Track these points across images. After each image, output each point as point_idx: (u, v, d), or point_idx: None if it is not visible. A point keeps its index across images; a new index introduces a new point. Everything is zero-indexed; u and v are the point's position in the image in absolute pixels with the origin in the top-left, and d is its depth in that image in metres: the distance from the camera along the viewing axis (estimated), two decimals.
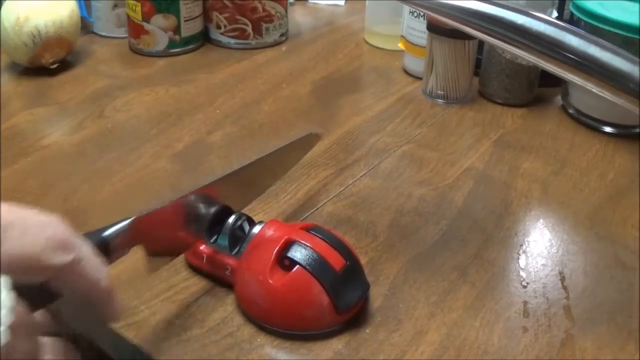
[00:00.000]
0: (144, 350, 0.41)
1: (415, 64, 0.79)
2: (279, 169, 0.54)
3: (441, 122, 0.70)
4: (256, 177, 0.50)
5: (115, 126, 0.67)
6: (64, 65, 0.78)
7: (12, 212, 0.30)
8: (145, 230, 0.40)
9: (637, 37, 0.63)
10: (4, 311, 0.28)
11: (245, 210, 0.48)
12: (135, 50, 0.84)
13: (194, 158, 0.62)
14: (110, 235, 0.37)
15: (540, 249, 0.52)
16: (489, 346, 0.43)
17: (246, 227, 0.46)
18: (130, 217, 0.39)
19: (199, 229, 0.45)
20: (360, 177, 0.60)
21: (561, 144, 0.67)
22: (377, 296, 0.46)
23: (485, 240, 0.52)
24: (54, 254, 0.30)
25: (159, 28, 0.81)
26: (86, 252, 0.33)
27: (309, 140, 0.57)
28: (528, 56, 0.38)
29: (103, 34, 0.87)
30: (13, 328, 0.28)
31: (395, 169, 0.61)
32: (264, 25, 0.86)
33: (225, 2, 0.84)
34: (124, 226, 0.38)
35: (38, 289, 0.31)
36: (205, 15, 0.86)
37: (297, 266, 0.42)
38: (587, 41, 0.36)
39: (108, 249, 0.37)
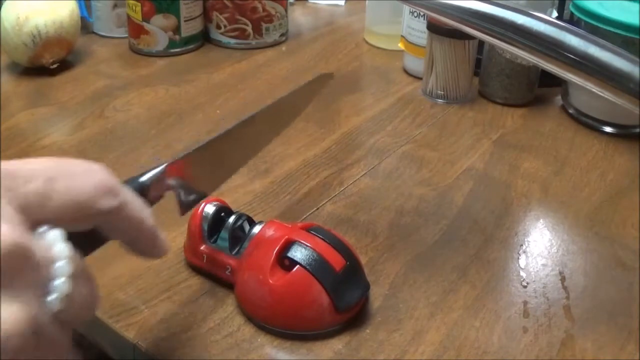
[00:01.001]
0: (144, 350, 0.42)
1: (415, 64, 0.79)
2: (295, 109, 0.57)
3: (441, 122, 0.70)
4: (275, 116, 0.53)
5: (115, 126, 0.67)
6: (64, 65, 0.78)
7: (57, 164, 0.31)
8: (178, 174, 0.41)
9: (637, 37, 0.63)
10: (61, 263, 0.28)
11: (245, 211, 0.48)
12: (135, 50, 0.84)
13: None
14: (147, 180, 0.38)
15: (540, 249, 0.52)
16: (489, 346, 0.43)
17: (246, 227, 0.46)
18: (163, 163, 0.40)
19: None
20: (360, 177, 0.60)
21: (561, 144, 0.67)
22: (377, 296, 0.46)
23: (485, 240, 0.52)
24: (102, 199, 0.31)
25: (159, 28, 0.81)
26: (130, 195, 0.34)
27: (320, 81, 0.59)
28: (528, 56, 0.38)
29: (103, 34, 0.87)
30: (73, 277, 0.28)
31: (395, 169, 0.61)
32: (264, 25, 0.86)
33: (225, 2, 0.84)
34: (159, 171, 0.39)
35: (86, 236, 0.32)
36: (205, 15, 0.86)
37: (297, 266, 0.42)
38: (587, 41, 0.36)
39: (145, 194, 0.38)
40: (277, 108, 0.52)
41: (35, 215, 0.28)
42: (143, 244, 0.35)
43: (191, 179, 0.43)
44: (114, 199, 0.32)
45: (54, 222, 0.29)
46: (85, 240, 0.32)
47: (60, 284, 0.27)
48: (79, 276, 0.29)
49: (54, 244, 0.28)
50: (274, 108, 0.51)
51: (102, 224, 0.32)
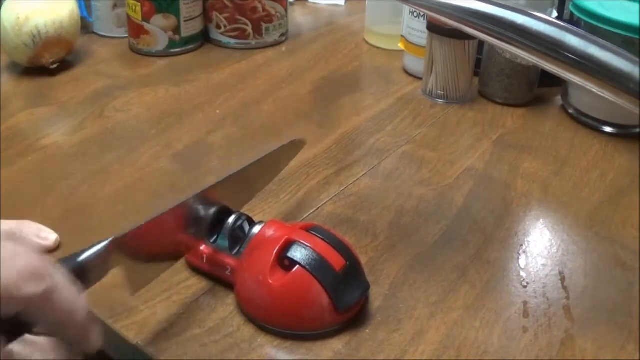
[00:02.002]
0: (144, 350, 0.41)
1: (415, 64, 0.79)
2: (267, 175, 0.54)
3: (441, 122, 0.70)
4: (246, 180, 0.50)
5: (115, 126, 0.67)
6: (64, 65, 0.78)
7: None
8: (128, 248, 0.39)
9: (637, 37, 0.63)
10: None
11: (245, 210, 0.48)
12: (135, 50, 0.84)
13: (194, 158, 0.62)
14: (86, 259, 0.36)
15: (540, 249, 0.52)
16: (489, 346, 0.43)
17: (246, 227, 0.46)
18: (107, 239, 0.38)
19: (199, 232, 0.45)
20: (360, 177, 0.60)
21: (561, 144, 0.67)
22: (377, 296, 0.46)
23: (485, 240, 0.52)
24: (25, 284, 0.30)
25: (159, 28, 0.81)
26: (60, 281, 0.32)
27: (294, 147, 0.56)
28: (528, 56, 0.38)
29: (103, 34, 0.87)
30: None
31: (395, 169, 0.61)
32: (264, 25, 0.86)
33: (225, 2, 0.84)
34: (100, 248, 0.37)
35: (12, 320, 0.31)
36: (205, 15, 0.86)
37: (297, 266, 0.42)
38: (587, 41, 0.36)
39: (86, 273, 0.36)
40: (247, 173, 0.49)
41: None
42: (72, 335, 0.34)
43: (161, 240, 0.41)
44: (39, 285, 0.31)
45: None
46: (12, 325, 0.31)
47: None
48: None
49: None
50: (244, 173, 0.48)
51: (26, 310, 0.31)
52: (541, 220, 0.55)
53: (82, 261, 0.36)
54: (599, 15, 0.65)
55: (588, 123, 0.70)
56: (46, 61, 0.75)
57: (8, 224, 0.48)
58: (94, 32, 0.88)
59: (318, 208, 0.55)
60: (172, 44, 0.83)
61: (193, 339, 0.42)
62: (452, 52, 0.71)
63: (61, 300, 0.32)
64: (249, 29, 0.85)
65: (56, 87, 0.74)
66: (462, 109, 0.72)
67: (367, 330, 0.43)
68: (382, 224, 0.54)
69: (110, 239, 0.38)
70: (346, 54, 0.86)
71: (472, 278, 0.48)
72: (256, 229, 0.45)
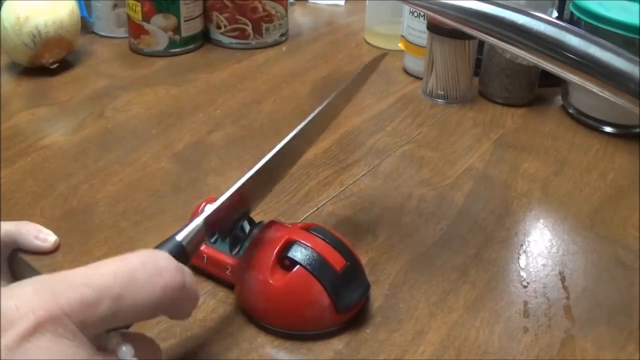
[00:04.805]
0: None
1: (415, 64, 0.79)
2: (346, 100, 0.55)
3: (441, 122, 0.70)
4: (326, 115, 0.51)
5: (115, 126, 0.67)
6: (64, 65, 0.78)
7: (122, 277, 0.32)
8: (214, 223, 0.41)
9: (637, 37, 0.63)
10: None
11: None
12: (135, 50, 0.84)
13: (194, 158, 0.62)
14: (185, 239, 0.38)
15: (540, 249, 0.52)
16: (489, 346, 0.43)
17: (246, 227, 0.46)
18: (200, 216, 0.40)
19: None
20: (360, 177, 0.60)
21: (561, 144, 0.67)
22: (377, 296, 0.46)
23: (485, 240, 0.52)
24: (168, 300, 0.33)
25: (159, 28, 0.81)
26: (186, 271, 0.35)
27: (374, 63, 0.58)
28: (528, 56, 0.38)
29: (103, 34, 0.87)
30: None
31: (395, 169, 0.61)
32: (264, 25, 0.86)
33: (226, 2, 0.84)
34: (196, 227, 0.39)
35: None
36: (206, 15, 0.86)
37: (298, 266, 0.42)
38: (587, 41, 0.36)
39: (186, 252, 0.38)
40: (329, 107, 0.50)
41: (105, 328, 0.31)
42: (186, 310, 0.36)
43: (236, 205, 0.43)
44: (178, 295, 0.33)
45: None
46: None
47: None
48: None
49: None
50: (325, 109, 0.49)
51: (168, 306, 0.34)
52: (541, 220, 0.55)
53: (181, 242, 0.38)
54: (599, 15, 0.65)
55: (588, 123, 0.70)
56: (46, 61, 0.75)
57: (8, 225, 0.48)
58: (94, 32, 0.88)
59: (318, 208, 0.55)
60: (172, 44, 0.83)
61: (193, 339, 0.42)
62: (452, 52, 0.71)
63: (189, 294, 0.34)
64: (249, 29, 0.85)
65: (56, 87, 0.74)
66: (462, 109, 0.73)
67: (368, 330, 0.43)
68: (382, 224, 0.54)
69: (204, 217, 0.39)
70: (346, 54, 0.86)
71: (472, 278, 0.48)
72: (256, 229, 0.45)
